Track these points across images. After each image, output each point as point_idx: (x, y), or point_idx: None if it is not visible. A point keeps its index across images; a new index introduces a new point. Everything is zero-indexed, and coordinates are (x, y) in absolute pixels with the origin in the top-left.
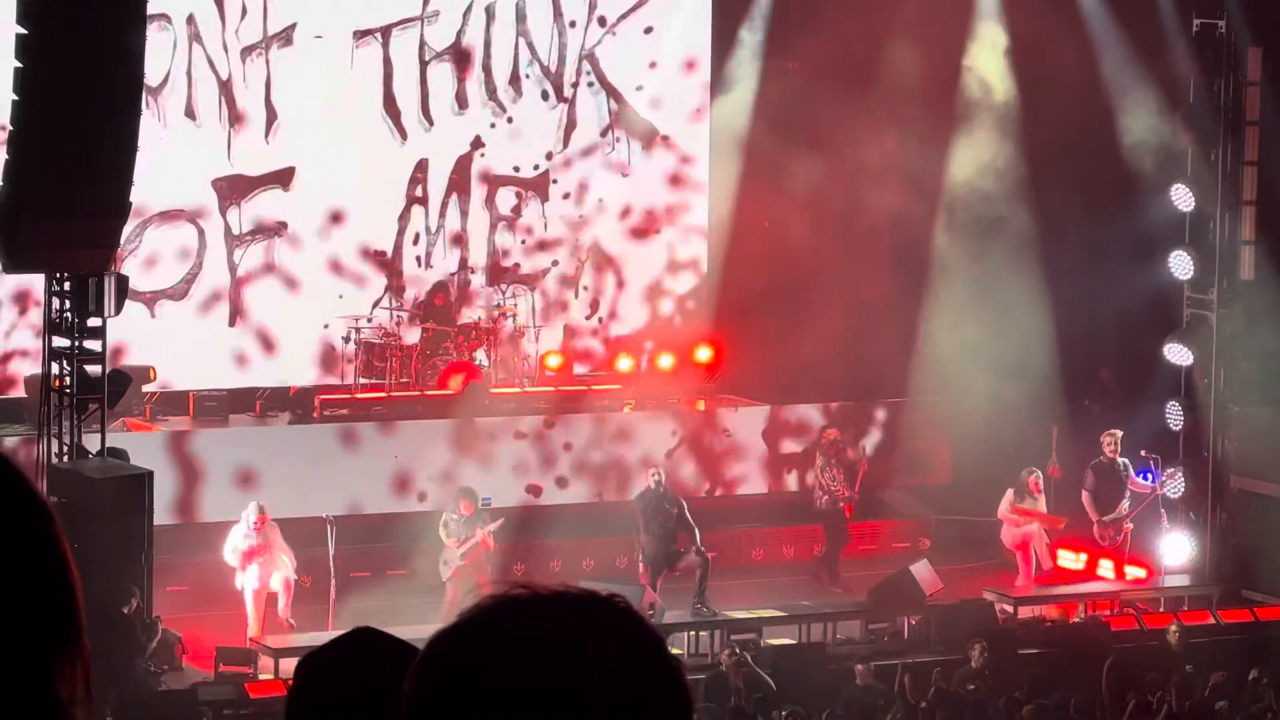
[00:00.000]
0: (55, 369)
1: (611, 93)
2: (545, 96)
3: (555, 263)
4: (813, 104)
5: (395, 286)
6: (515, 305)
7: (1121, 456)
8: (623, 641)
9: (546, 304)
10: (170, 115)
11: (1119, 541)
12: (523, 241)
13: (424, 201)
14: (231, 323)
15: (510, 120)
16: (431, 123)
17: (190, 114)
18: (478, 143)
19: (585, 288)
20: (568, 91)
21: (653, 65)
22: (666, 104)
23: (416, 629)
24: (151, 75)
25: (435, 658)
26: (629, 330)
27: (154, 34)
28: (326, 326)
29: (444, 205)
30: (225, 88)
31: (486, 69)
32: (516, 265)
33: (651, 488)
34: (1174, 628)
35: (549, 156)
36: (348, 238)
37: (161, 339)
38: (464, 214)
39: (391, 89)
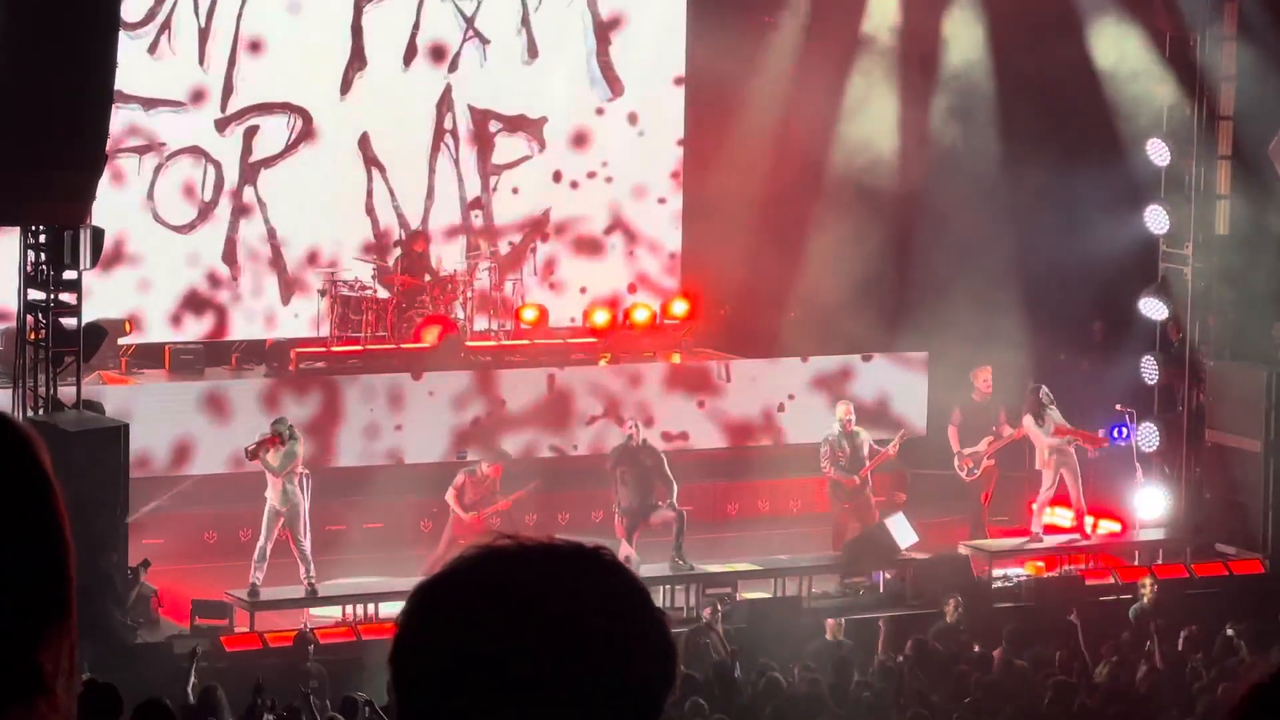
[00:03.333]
0: (30, 322)
1: (600, 32)
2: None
3: (532, 243)
4: (791, 57)
5: (378, 244)
6: (493, 256)
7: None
8: (607, 594)
9: (519, 256)
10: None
11: (976, 475)
12: (513, 190)
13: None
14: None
15: (486, 54)
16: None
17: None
18: (445, 99)
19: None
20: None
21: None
22: (645, 69)
23: (392, 581)
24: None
25: (419, 608)
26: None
27: None
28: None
29: (433, 155)
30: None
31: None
32: (495, 226)
33: (628, 441)
34: (1148, 582)
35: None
36: (324, 188)
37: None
38: (432, 170)
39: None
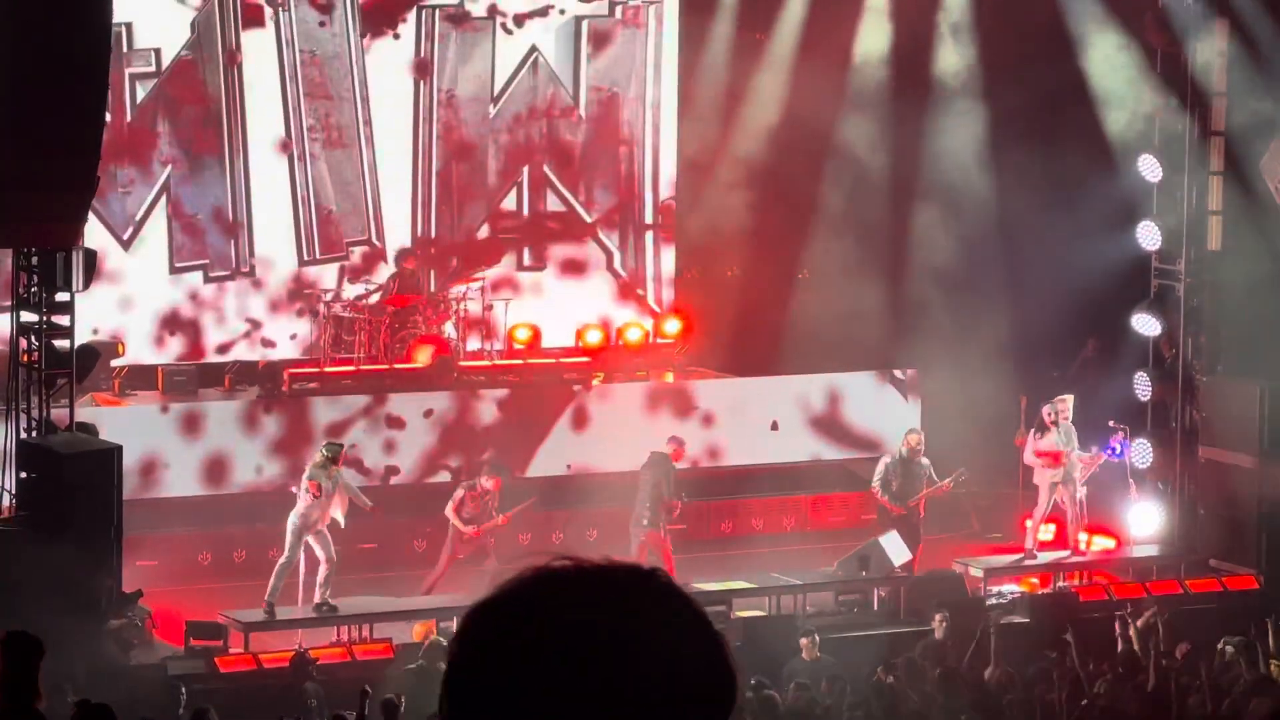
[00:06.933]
0: (23, 344)
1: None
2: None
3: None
4: (784, 80)
5: (371, 256)
6: (485, 279)
7: (1071, 424)
8: (665, 616)
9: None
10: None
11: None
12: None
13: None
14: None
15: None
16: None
17: None
18: (447, 116)
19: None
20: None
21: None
22: (636, 74)
23: (389, 601)
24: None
25: (475, 630)
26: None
27: None
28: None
29: (427, 172)
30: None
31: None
32: (489, 240)
33: (664, 455)
34: (1150, 604)
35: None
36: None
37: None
38: (427, 188)
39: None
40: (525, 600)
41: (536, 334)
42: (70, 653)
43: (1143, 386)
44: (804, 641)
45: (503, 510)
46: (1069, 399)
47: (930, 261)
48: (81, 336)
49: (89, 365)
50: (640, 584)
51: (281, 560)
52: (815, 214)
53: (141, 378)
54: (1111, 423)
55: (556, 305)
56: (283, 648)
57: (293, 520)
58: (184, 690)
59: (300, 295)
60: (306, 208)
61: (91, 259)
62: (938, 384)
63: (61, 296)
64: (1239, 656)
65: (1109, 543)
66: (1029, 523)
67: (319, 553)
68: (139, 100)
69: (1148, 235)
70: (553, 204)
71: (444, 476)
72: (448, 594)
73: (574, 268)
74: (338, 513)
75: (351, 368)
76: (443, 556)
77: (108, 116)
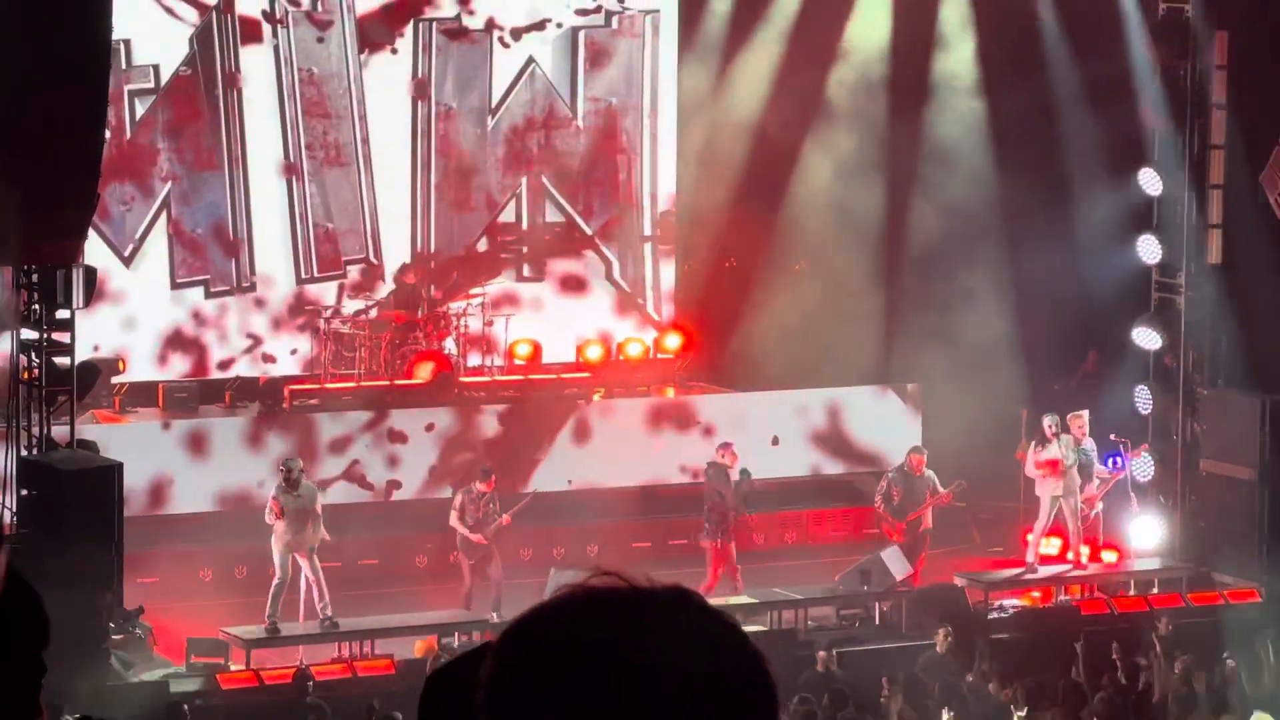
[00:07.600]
0: (23, 361)
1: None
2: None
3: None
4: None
5: (370, 274)
6: (486, 294)
7: (1089, 439)
8: (698, 636)
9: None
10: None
11: (1087, 522)
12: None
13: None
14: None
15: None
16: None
17: None
18: (443, 132)
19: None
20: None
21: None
22: (633, 84)
23: (391, 617)
24: None
25: (509, 650)
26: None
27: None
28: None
29: (425, 186)
30: None
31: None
32: (488, 253)
33: (720, 466)
34: (1163, 619)
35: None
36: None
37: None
38: (425, 202)
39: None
40: (556, 619)
41: (537, 349)
42: (72, 670)
43: (1144, 400)
44: (821, 654)
45: (504, 510)
46: (1084, 415)
47: (931, 275)
48: (83, 354)
49: (89, 382)
50: (677, 603)
51: (275, 581)
52: (810, 226)
53: (142, 394)
54: (1113, 436)
55: (557, 320)
56: (284, 664)
57: (273, 541)
58: (186, 707)
59: (301, 311)
60: (305, 226)
61: (91, 276)
62: (939, 398)
63: (62, 314)
64: (1240, 669)
65: (1111, 556)
66: (1030, 536)
67: (307, 573)
68: (139, 117)
69: (1148, 248)
70: (552, 215)
71: (446, 492)
72: (447, 610)
73: (574, 282)
74: (322, 530)
75: (352, 384)
76: (464, 567)
77: (107, 133)
